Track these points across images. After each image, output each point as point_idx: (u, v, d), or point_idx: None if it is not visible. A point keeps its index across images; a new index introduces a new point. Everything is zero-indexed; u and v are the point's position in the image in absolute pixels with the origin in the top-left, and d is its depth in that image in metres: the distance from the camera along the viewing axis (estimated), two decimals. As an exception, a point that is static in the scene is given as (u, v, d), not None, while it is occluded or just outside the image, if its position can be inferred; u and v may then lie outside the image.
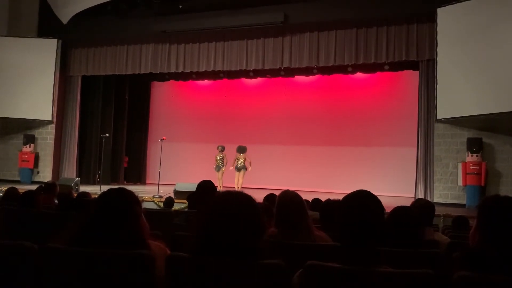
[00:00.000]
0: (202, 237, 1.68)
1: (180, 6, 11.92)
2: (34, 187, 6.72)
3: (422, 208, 3.43)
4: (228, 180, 11.68)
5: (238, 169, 11.55)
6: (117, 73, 13.12)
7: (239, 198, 1.73)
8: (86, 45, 13.21)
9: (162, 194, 9.75)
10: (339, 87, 13.31)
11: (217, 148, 11.99)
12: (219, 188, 11.42)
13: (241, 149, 11.63)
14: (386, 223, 1.82)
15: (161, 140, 11.12)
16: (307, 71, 12.51)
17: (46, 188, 5.87)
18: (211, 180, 3.71)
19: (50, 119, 13.15)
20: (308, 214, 2.69)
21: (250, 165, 11.60)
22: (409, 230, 2.50)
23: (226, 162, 11.85)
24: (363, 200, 1.79)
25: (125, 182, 14.36)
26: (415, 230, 2.54)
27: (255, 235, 1.68)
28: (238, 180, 11.50)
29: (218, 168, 11.80)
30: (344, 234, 1.77)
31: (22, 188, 5.97)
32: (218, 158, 11.87)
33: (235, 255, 1.62)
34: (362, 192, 1.83)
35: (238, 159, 11.59)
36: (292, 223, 2.59)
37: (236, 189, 10.99)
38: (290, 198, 2.68)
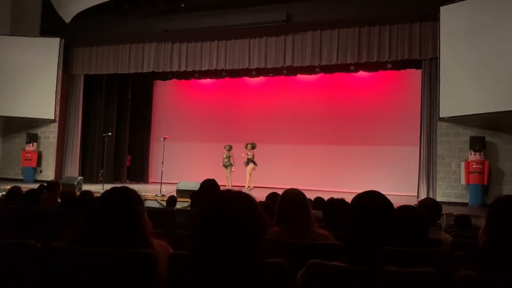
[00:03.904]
0: (197, 236, 1.67)
1: (182, 5, 11.92)
2: (37, 185, 6.74)
3: (427, 207, 3.42)
4: (238, 179, 11.71)
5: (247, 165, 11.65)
6: (119, 72, 13.13)
7: (236, 197, 1.71)
8: (88, 44, 13.22)
9: (164, 193, 9.77)
10: (341, 86, 13.30)
11: (224, 147, 11.99)
12: (228, 187, 11.48)
13: (250, 146, 11.69)
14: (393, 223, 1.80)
15: (164, 139, 11.13)
16: (309, 69, 12.51)
17: (49, 187, 5.89)
18: (214, 179, 3.71)
19: (53, 118, 13.17)
20: (310, 212, 2.68)
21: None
22: (414, 230, 2.49)
23: (233, 161, 11.86)
24: (375, 201, 1.78)
25: (127, 181, 14.40)
26: (420, 230, 2.53)
27: (255, 234, 1.66)
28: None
29: (225, 167, 11.84)
30: (353, 235, 1.75)
31: (25, 186, 5.98)
32: (225, 156, 11.88)
33: (235, 254, 1.62)
34: (373, 192, 1.82)
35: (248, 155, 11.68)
36: (294, 221, 2.59)
37: (246, 188, 11.04)
38: (292, 196, 2.67)
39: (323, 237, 2.59)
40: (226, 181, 11.59)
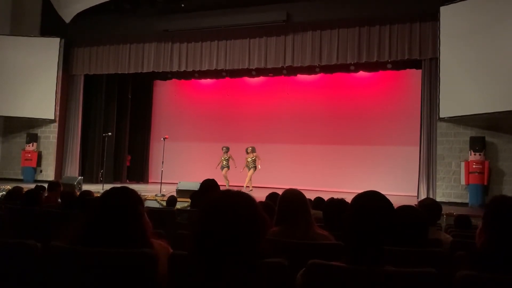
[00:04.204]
0: (197, 236, 1.67)
1: (183, 5, 11.93)
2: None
3: (427, 208, 3.43)
4: (239, 180, 11.71)
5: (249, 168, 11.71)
6: (119, 72, 13.12)
7: (236, 197, 1.71)
8: (88, 44, 13.22)
9: (164, 193, 9.77)
10: (341, 86, 13.29)
11: (222, 149, 12.04)
12: (227, 188, 11.51)
13: (251, 149, 11.74)
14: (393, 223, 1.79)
15: (164, 139, 11.13)
16: (309, 69, 12.51)
17: (50, 187, 5.89)
18: (214, 179, 3.71)
19: (53, 118, 13.17)
20: (310, 212, 2.68)
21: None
22: (414, 230, 2.49)
23: (233, 162, 11.94)
24: (375, 201, 1.78)
25: (127, 181, 14.40)
26: (420, 230, 2.53)
27: (256, 234, 1.66)
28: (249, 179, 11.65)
29: (222, 168, 11.88)
30: (353, 235, 1.75)
31: (25, 186, 5.98)
32: (224, 159, 11.93)
33: (235, 254, 1.62)
34: (373, 192, 1.82)
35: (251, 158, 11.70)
36: (294, 221, 2.59)
37: (245, 188, 11.03)
38: (292, 196, 2.67)
39: (323, 237, 2.58)
40: (225, 181, 11.61)
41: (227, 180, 11.78)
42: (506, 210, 1.81)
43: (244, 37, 11.72)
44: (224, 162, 11.92)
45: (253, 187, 11.52)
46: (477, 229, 2.01)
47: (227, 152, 11.99)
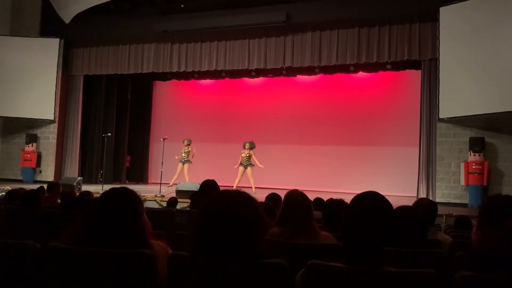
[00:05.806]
0: (197, 236, 1.67)
1: (182, 6, 11.93)
2: (36, 186, 6.74)
3: (425, 208, 3.42)
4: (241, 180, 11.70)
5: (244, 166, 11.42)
6: (119, 73, 13.12)
7: (236, 197, 1.71)
8: (88, 45, 13.21)
9: (164, 194, 9.76)
10: (341, 87, 13.30)
11: (183, 141, 11.97)
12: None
13: (248, 145, 11.54)
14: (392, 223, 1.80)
15: (163, 139, 11.12)
16: (309, 70, 12.50)
17: (50, 187, 5.89)
18: (214, 180, 3.71)
19: (52, 119, 13.16)
20: (313, 215, 2.69)
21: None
22: (413, 230, 2.49)
23: (193, 156, 11.84)
24: (374, 202, 1.78)
25: (127, 182, 14.39)
26: (419, 230, 2.53)
27: (255, 235, 1.66)
28: (249, 179, 11.33)
29: (183, 163, 11.80)
30: (352, 235, 1.75)
31: (25, 187, 5.98)
32: (184, 151, 11.85)
33: (235, 254, 1.62)
34: (372, 193, 1.82)
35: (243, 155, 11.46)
36: (297, 223, 2.59)
37: (254, 193, 10.84)
38: (298, 199, 2.68)
39: (325, 238, 2.59)
40: (185, 177, 11.47)
41: (188, 177, 11.47)
42: (500, 209, 1.81)
43: (243, 38, 11.71)
44: (184, 155, 11.83)
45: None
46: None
47: (188, 144, 11.87)
